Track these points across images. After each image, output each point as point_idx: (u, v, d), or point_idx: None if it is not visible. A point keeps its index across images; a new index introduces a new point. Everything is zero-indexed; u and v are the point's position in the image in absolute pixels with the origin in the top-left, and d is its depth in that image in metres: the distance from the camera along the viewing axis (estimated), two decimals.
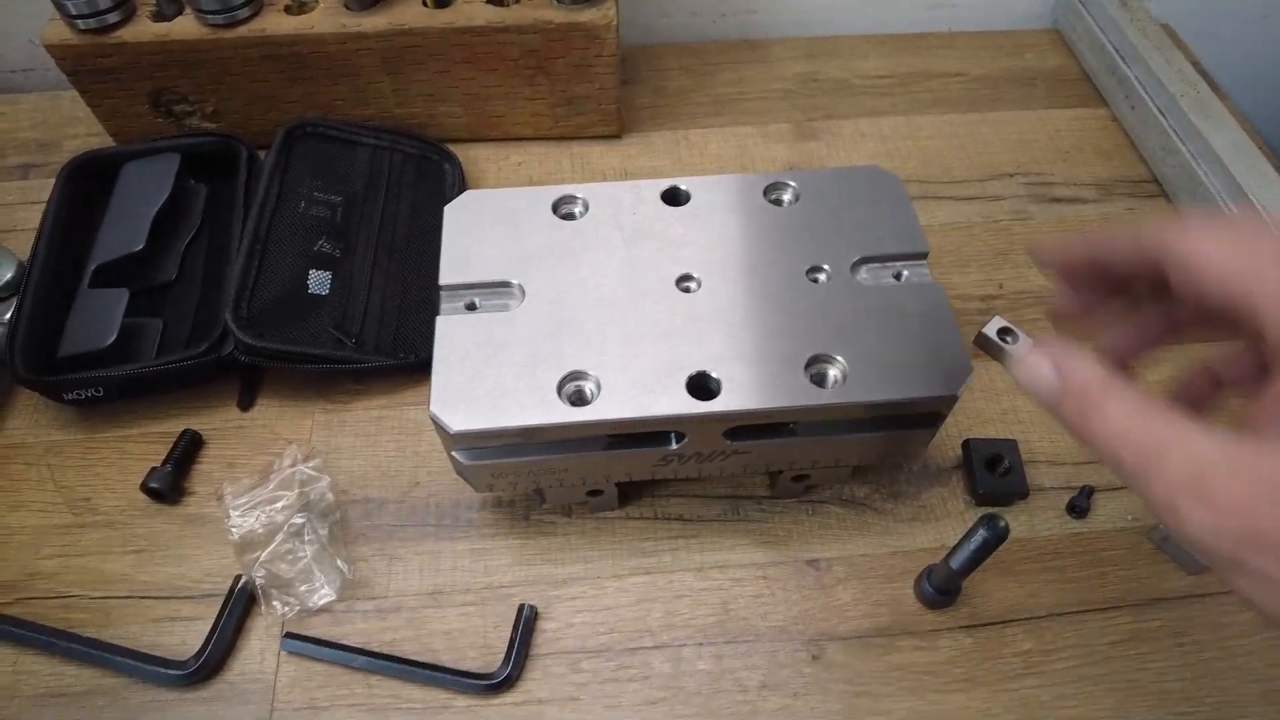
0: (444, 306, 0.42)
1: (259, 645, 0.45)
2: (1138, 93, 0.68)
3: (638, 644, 0.45)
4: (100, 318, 0.51)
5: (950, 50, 0.77)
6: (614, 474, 0.43)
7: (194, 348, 0.50)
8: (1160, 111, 0.66)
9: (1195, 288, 0.27)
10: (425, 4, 0.59)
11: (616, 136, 0.68)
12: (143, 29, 0.58)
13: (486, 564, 0.47)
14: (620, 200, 0.45)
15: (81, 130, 0.68)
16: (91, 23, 0.56)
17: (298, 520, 0.46)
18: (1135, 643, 0.45)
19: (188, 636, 0.44)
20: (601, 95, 0.64)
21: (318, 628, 0.45)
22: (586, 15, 0.58)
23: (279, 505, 0.47)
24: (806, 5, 0.78)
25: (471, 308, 0.42)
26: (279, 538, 0.46)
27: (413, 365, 0.53)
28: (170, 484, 0.49)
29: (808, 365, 0.39)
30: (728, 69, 0.74)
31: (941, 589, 0.45)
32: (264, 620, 0.45)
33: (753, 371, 0.39)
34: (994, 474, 0.49)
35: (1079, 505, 0.49)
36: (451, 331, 0.40)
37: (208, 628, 0.44)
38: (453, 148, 0.65)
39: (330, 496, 0.48)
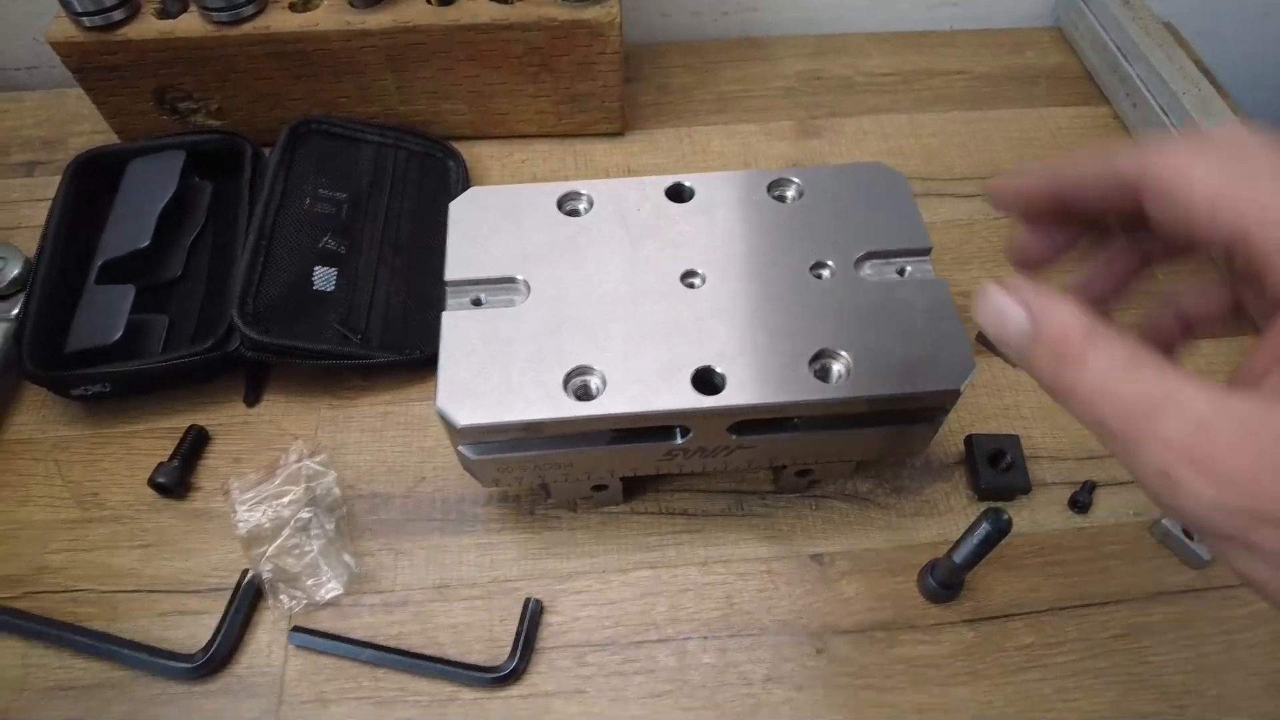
0: (449, 302, 0.42)
1: (266, 639, 0.45)
2: (1139, 91, 0.68)
3: (643, 637, 0.45)
4: (107, 314, 0.51)
5: (952, 48, 0.77)
6: (619, 469, 0.44)
7: (200, 344, 0.50)
8: (1162, 110, 0.66)
9: (1181, 216, 0.23)
10: (429, 1, 0.59)
11: (620, 134, 0.68)
12: (147, 26, 0.58)
13: (492, 558, 0.48)
14: (625, 196, 0.45)
15: (86, 127, 0.68)
16: (96, 20, 0.56)
17: (304, 515, 0.46)
18: (1137, 636, 0.45)
19: (195, 630, 0.45)
20: (605, 93, 0.64)
21: (325, 621, 0.45)
22: (590, 13, 0.58)
23: (285, 500, 0.47)
24: (808, 4, 0.78)
25: (477, 303, 0.42)
26: (286, 532, 0.46)
27: (418, 361, 0.53)
28: (177, 479, 0.49)
29: (812, 360, 0.39)
30: (730, 67, 0.75)
31: (944, 583, 0.45)
32: (271, 614, 0.45)
33: (757, 366, 0.39)
34: (996, 469, 0.49)
35: (1081, 500, 0.49)
36: (457, 327, 0.40)
37: (215, 622, 0.44)
38: (457, 145, 0.65)
39: (336, 491, 0.48)
